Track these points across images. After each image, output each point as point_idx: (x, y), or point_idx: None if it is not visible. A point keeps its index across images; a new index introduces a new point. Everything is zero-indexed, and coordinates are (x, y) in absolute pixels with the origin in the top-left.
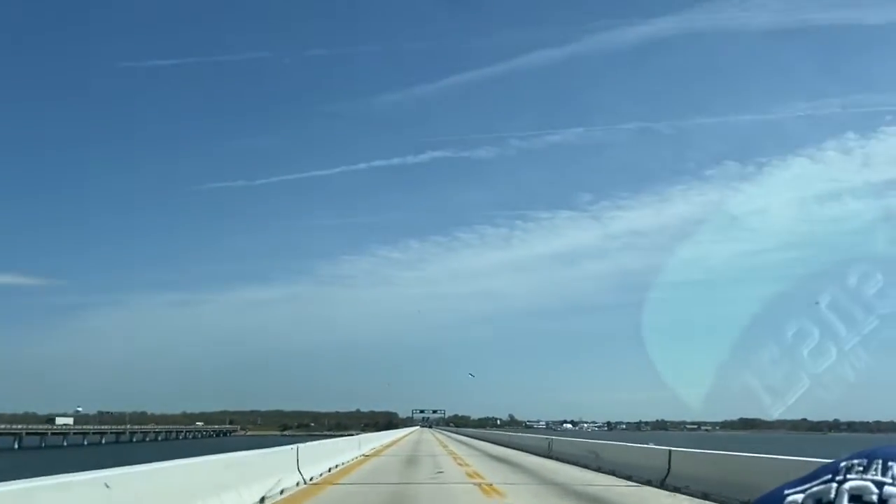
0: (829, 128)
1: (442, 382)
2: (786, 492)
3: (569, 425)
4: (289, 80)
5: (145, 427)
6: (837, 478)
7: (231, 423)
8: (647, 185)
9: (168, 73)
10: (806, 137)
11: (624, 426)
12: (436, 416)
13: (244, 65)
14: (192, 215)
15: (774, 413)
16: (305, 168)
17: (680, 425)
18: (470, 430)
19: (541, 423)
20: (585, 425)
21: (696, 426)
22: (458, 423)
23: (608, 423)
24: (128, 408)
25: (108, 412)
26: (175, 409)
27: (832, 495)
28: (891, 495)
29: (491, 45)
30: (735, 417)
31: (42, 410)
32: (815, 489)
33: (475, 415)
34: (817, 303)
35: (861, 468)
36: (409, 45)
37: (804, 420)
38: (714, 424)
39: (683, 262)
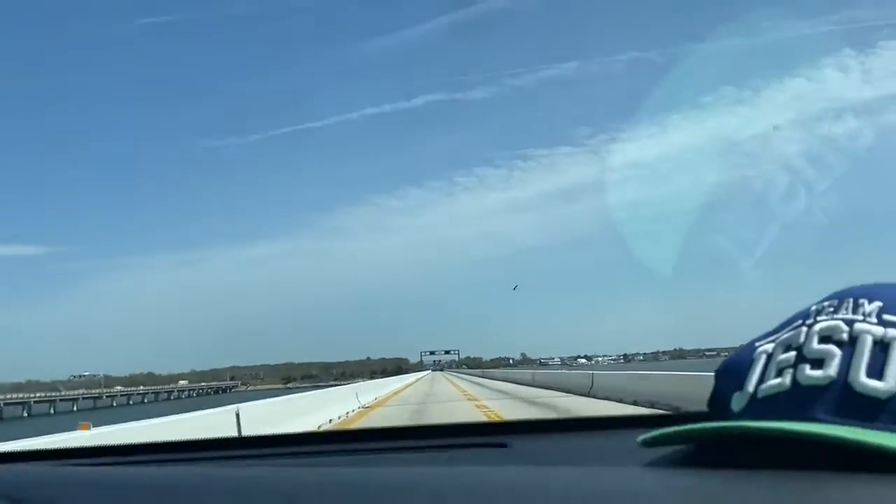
0: (825, 46)
1: (451, 326)
2: (756, 343)
3: (583, 360)
4: (274, 32)
5: (128, 389)
6: (808, 321)
7: (232, 378)
8: (645, 115)
9: (155, 33)
10: (802, 57)
11: (641, 357)
12: (448, 357)
13: (229, 19)
14: (186, 174)
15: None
16: (296, 121)
17: (700, 353)
18: (490, 371)
19: (555, 359)
20: (600, 359)
21: (715, 352)
22: (470, 365)
23: (624, 355)
24: (135, 370)
25: (109, 376)
26: (183, 368)
27: (802, 339)
28: (861, 331)
29: None
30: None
31: (45, 377)
32: (785, 335)
33: (487, 356)
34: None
35: (832, 309)
36: None
37: None
38: (731, 349)
39: (684, 190)
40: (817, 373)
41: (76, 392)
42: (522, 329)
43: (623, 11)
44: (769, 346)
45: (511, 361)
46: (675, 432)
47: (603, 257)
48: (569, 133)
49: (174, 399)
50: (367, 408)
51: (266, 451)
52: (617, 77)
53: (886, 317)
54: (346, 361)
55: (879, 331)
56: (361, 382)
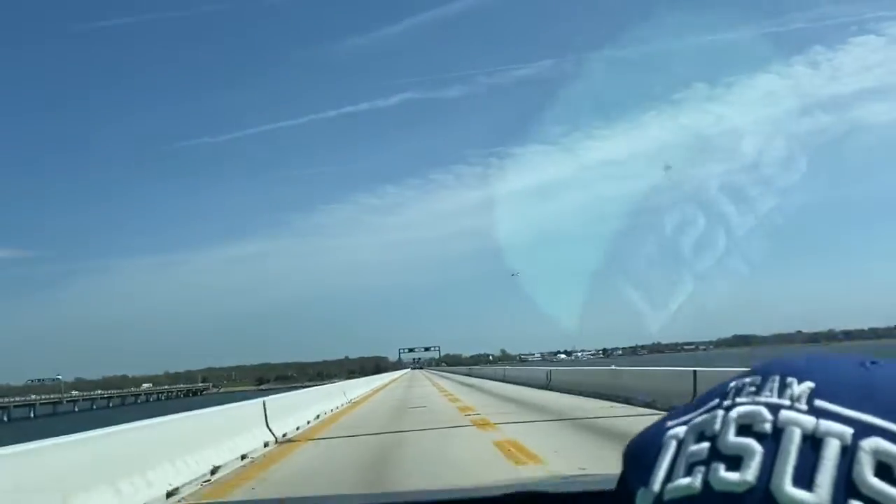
0: (796, 43)
1: (430, 324)
2: (668, 424)
3: (563, 355)
4: (249, 32)
5: (90, 394)
6: (725, 402)
7: (204, 380)
8: (619, 113)
9: (128, 33)
10: (773, 54)
11: (620, 352)
12: (428, 354)
13: (204, 19)
14: (163, 176)
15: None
16: (273, 119)
17: (677, 347)
18: (477, 369)
19: (535, 355)
20: (579, 354)
21: (693, 346)
22: (450, 363)
23: (604, 350)
24: (109, 373)
25: (82, 379)
26: (158, 370)
27: (717, 426)
28: (787, 422)
29: None
30: (729, 335)
31: (19, 381)
32: (698, 420)
33: (466, 352)
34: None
35: (753, 389)
36: None
37: (799, 332)
38: (709, 343)
39: (659, 186)
40: (733, 476)
41: (33, 397)
42: (501, 325)
43: (597, 10)
44: (681, 431)
45: (490, 358)
46: None
47: (579, 253)
48: (543, 131)
49: (142, 403)
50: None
51: None
52: (590, 75)
53: (819, 403)
54: (325, 361)
55: (810, 422)
56: (320, 386)
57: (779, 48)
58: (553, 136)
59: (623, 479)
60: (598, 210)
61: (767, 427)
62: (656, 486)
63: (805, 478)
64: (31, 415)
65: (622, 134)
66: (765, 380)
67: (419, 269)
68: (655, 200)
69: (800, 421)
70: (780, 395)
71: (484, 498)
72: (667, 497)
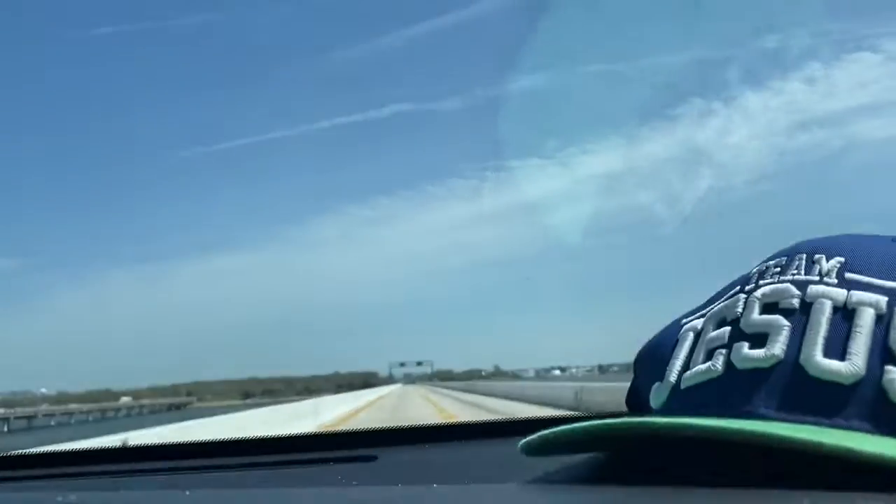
0: (793, 58)
1: (422, 339)
2: (683, 320)
3: (557, 371)
4: (241, 41)
5: (65, 407)
6: (748, 287)
7: (189, 394)
8: (614, 127)
9: (117, 41)
10: (770, 69)
11: (616, 368)
12: (420, 369)
13: (195, 27)
14: (152, 185)
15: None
16: (265, 130)
17: None
18: (475, 384)
19: (529, 371)
20: (574, 370)
21: None
22: (442, 378)
23: (599, 366)
24: (93, 386)
25: (65, 392)
26: (143, 384)
27: (739, 309)
28: (816, 295)
29: None
30: None
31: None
32: (718, 307)
33: (458, 367)
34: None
35: (779, 269)
36: None
37: None
38: None
39: (651, 202)
40: (758, 352)
41: (2, 411)
42: (494, 340)
43: (592, 22)
44: (698, 322)
45: (483, 373)
46: (558, 433)
47: (576, 268)
48: (538, 145)
49: (123, 417)
50: None
51: (110, 467)
52: (586, 89)
53: (850, 275)
54: (314, 376)
55: (841, 294)
56: (278, 406)
57: (775, 64)
58: (548, 150)
59: (633, 387)
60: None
61: (795, 302)
62: (672, 377)
63: (838, 348)
64: (6, 429)
65: (617, 148)
66: (791, 259)
67: (411, 282)
68: (651, 214)
69: (830, 294)
70: (808, 272)
71: (501, 422)
72: (684, 385)
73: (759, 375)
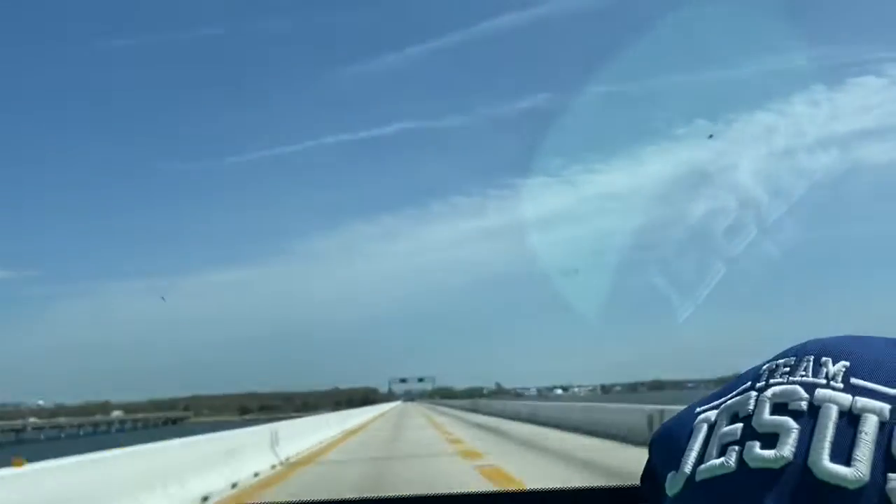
0: (796, 81)
1: (423, 355)
2: (697, 409)
3: (559, 390)
4: (246, 57)
5: (57, 420)
6: (758, 384)
7: (186, 408)
8: (619, 147)
9: (125, 55)
10: (774, 92)
11: (619, 388)
12: (421, 386)
13: (203, 42)
14: (158, 198)
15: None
16: (269, 146)
17: (680, 384)
18: (484, 404)
19: (531, 389)
20: (576, 389)
21: (694, 384)
22: (443, 395)
23: (602, 386)
24: (92, 397)
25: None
26: (141, 397)
27: (750, 406)
28: (823, 399)
29: (453, 11)
30: (730, 373)
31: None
32: (730, 401)
33: (459, 385)
34: (710, 136)
35: (787, 369)
36: (370, 13)
37: None
38: (708, 381)
39: (657, 221)
40: (769, 453)
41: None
42: (495, 358)
43: (597, 43)
44: (712, 414)
45: (484, 391)
46: None
47: (579, 287)
48: (543, 163)
49: (116, 431)
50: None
51: None
52: (590, 108)
53: (855, 381)
54: (314, 392)
55: (846, 399)
56: (283, 423)
57: (779, 86)
58: (553, 169)
59: (649, 469)
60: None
61: (803, 405)
62: (687, 468)
63: (843, 453)
64: None
65: (621, 168)
66: (799, 360)
67: (413, 299)
68: (656, 235)
69: (836, 398)
70: (816, 374)
71: (505, 493)
72: (699, 478)
73: (769, 475)
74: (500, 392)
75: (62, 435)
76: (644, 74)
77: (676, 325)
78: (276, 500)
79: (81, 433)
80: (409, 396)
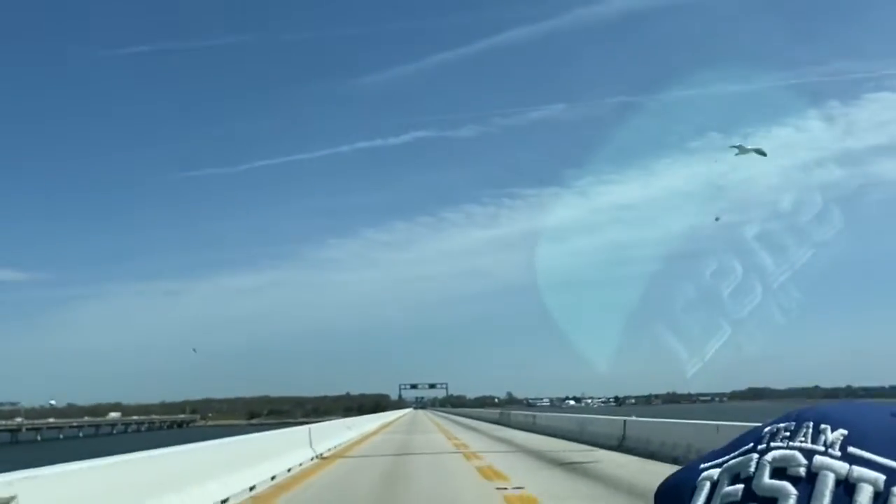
0: (811, 96)
1: (435, 364)
2: (701, 466)
3: (571, 402)
4: (267, 65)
5: (59, 421)
6: (759, 447)
7: (193, 411)
8: (632, 159)
9: (145, 60)
10: (789, 107)
11: (633, 401)
12: (433, 392)
13: (221, 50)
14: (173, 204)
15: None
16: (287, 152)
17: (693, 398)
18: (518, 417)
19: (544, 400)
20: (589, 401)
21: (710, 398)
22: (454, 404)
23: (616, 398)
24: (104, 399)
25: (74, 405)
26: (154, 399)
27: (751, 469)
28: (822, 466)
29: (469, 22)
30: (744, 387)
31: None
32: (732, 462)
33: (471, 394)
34: (717, 219)
35: (787, 434)
36: (388, 25)
37: (817, 387)
38: (723, 395)
39: (672, 234)
40: None
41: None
42: (507, 368)
43: (610, 56)
44: (714, 473)
45: (496, 401)
46: None
47: (590, 298)
48: (556, 174)
49: (118, 434)
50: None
51: None
52: (605, 120)
53: (852, 450)
54: (325, 397)
55: (843, 468)
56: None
57: (795, 101)
58: (567, 180)
59: None
60: (611, 255)
61: (802, 471)
62: None
63: None
64: None
65: (635, 180)
66: (799, 426)
67: (426, 307)
68: (669, 247)
69: (833, 466)
70: (814, 440)
71: None
72: None
73: None
74: (511, 401)
75: (60, 436)
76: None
77: (689, 340)
78: (321, 482)
79: (81, 434)
80: (420, 404)
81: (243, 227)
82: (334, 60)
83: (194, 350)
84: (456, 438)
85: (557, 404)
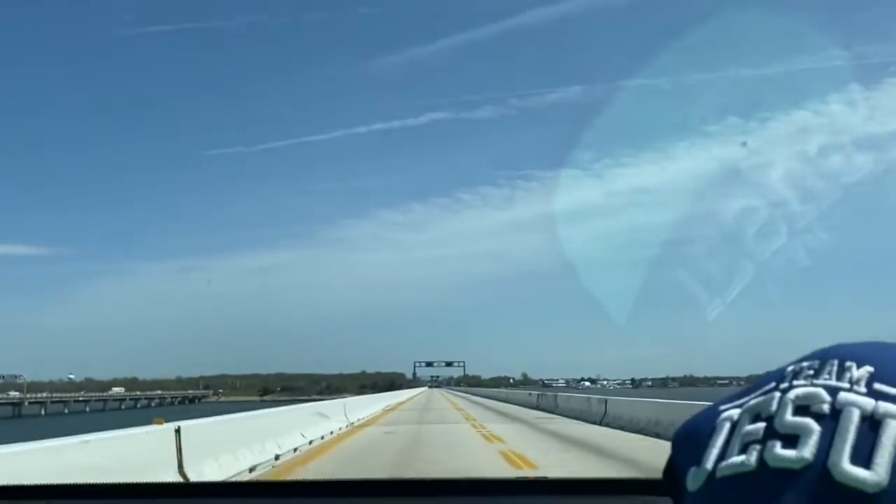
0: (832, 80)
1: (451, 343)
2: (721, 408)
3: (587, 383)
4: (284, 45)
5: (59, 396)
6: (782, 385)
7: (206, 387)
8: (650, 142)
9: (165, 40)
10: (809, 91)
11: (650, 383)
12: (449, 371)
13: (241, 29)
14: (193, 182)
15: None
16: (304, 133)
17: (710, 381)
18: (552, 396)
19: (559, 381)
20: (605, 382)
21: (727, 381)
22: (470, 384)
23: (632, 380)
24: (121, 374)
25: (91, 379)
26: (170, 374)
27: (773, 407)
28: (846, 403)
29: (487, 3)
30: (761, 371)
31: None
32: (753, 402)
33: (486, 374)
34: (744, 143)
35: (811, 372)
36: (406, 5)
37: None
38: (739, 379)
39: (687, 218)
40: (790, 453)
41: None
42: (523, 349)
43: (628, 38)
44: (735, 413)
45: (511, 381)
46: None
47: (605, 280)
48: (573, 156)
49: (128, 409)
50: None
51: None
52: (622, 103)
53: (878, 386)
54: (340, 374)
55: (869, 403)
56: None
57: (815, 85)
58: (583, 162)
59: (671, 463)
60: (628, 238)
61: (826, 408)
62: (709, 464)
63: (863, 456)
64: None
65: (652, 163)
66: (823, 364)
67: (441, 288)
68: (687, 231)
69: (859, 402)
70: (839, 378)
71: (527, 481)
72: (720, 475)
73: (788, 475)
74: (526, 382)
75: (66, 410)
76: (675, 69)
77: (707, 324)
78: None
79: (88, 409)
80: (436, 383)
81: (260, 207)
82: (351, 41)
83: (209, 282)
84: (500, 440)
85: (574, 385)
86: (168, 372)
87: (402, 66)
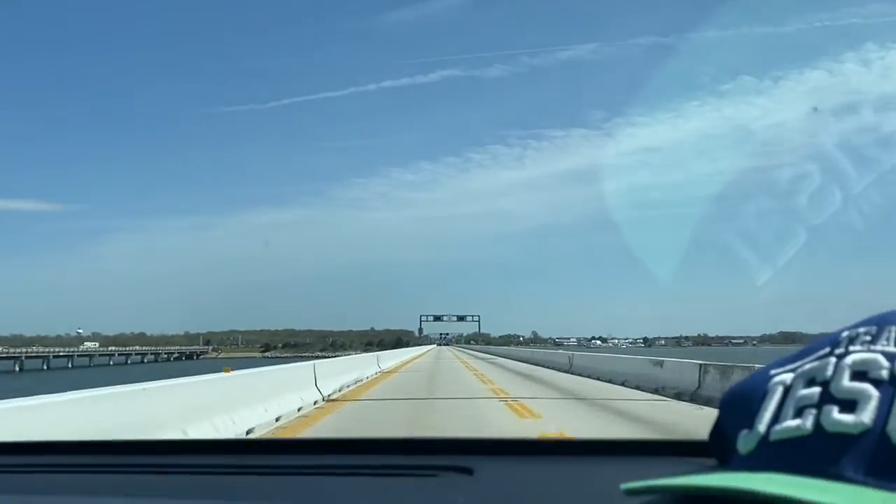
0: (847, 39)
1: (460, 301)
2: (772, 371)
3: (597, 342)
4: (297, 1)
5: (68, 351)
6: (837, 350)
7: (207, 343)
8: (662, 101)
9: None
10: (823, 50)
11: (663, 342)
12: (460, 326)
13: None
14: (204, 139)
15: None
16: (314, 90)
17: (724, 340)
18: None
19: (571, 340)
20: (617, 341)
21: (742, 340)
22: (479, 342)
23: (645, 339)
24: (128, 329)
25: (99, 334)
26: (178, 329)
27: (829, 372)
28: None
29: None
30: (775, 331)
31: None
32: (808, 366)
33: (496, 332)
34: (815, 108)
35: (869, 338)
36: None
37: None
38: (754, 339)
39: (698, 177)
40: (848, 418)
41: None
42: (533, 307)
43: None
44: (787, 377)
45: (521, 339)
46: (666, 486)
47: (619, 240)
48: (584, 115)
49: (133, 363)
50: None
51: (182, 459)
52: (635, 61)
53: None
54: (350, 331)
55: None
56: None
57: (829, 44)
58: (594, 121)
59: (718, 427)
60: (638, 197)
61: (885, 374)
62: (762, 427)
63: None
64: None
65: (664, 122)
66: (881, 330)
67: (451, 246)
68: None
69: None
70: None
71: (568, 442)
72: (773, 438)
73: (846, 440)
74: (536, 340)
75: (44, 367)
76: (688, 28)
77: (731, 284)
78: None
79: (71, 365)
80: (445, 340)
81: (270, 165)
82: None
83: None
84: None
85: (585, 344)
86: (177, 328)
87: (412, 22)
